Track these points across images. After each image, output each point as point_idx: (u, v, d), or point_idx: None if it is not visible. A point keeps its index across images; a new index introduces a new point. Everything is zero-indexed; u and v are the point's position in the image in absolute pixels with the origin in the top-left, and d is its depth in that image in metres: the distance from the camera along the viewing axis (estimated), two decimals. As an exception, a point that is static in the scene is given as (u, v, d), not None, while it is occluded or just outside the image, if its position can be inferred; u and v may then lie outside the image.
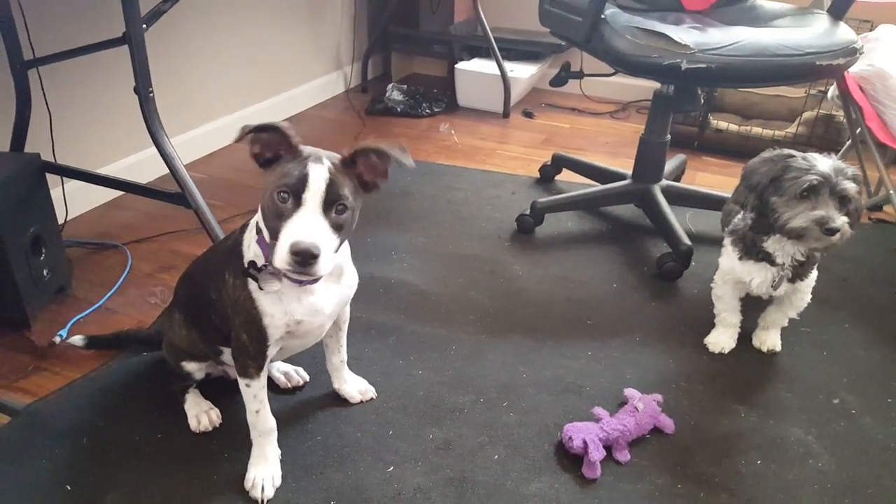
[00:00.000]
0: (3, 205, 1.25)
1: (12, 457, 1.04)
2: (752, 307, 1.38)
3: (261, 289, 0.91)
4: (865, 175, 1.96)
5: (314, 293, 0.95)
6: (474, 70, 2.72)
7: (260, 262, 0.91)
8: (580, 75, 1.87)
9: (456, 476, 1.05)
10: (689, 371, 1.30)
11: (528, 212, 1.79)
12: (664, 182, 1.80)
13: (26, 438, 1.08)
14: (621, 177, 1.87)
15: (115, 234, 1.72)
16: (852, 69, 1.71)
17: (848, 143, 2.04)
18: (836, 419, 1.20)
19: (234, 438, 1.09)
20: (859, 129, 1.86)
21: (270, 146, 0.88)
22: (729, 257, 1.31)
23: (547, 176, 2.11)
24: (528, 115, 2.73)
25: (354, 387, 1.19)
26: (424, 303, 1.47)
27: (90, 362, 1.26)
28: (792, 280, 1.26)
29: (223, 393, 1.17)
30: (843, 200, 1.13)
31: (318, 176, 0.83)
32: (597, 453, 1.05)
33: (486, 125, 2.61)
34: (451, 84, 2.80)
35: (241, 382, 0.99)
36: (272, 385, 1.20)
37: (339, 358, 1.17)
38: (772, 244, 1.23)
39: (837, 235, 1.12)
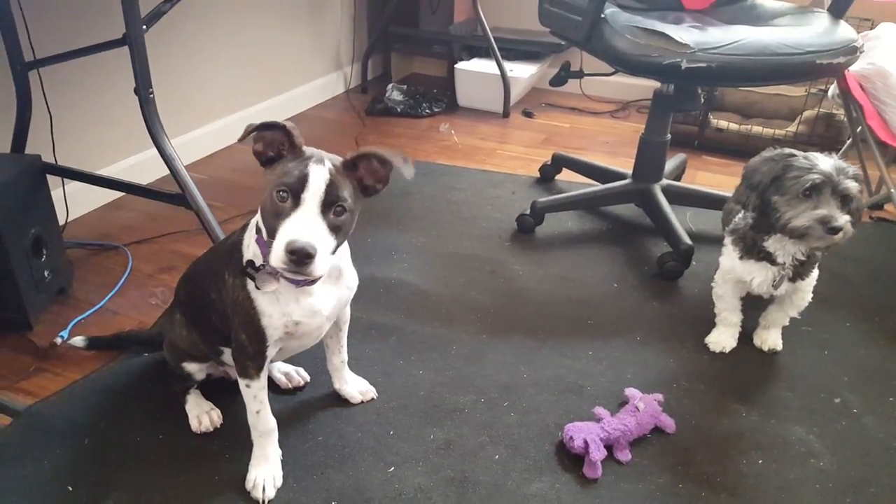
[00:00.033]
0: (4, 206, 1.25)
1: (13, 458, 1.04)
2: (753, 306, 1.38)
3: (258, 288, 0.91)
4: (866, 174, 1.96)
5: (312, 294, 0.94)
6: (474, 70, 2.72)
7: (259, 261, 0.91)
8: (580, 75, 1.87)
9: (457, 476, 1.05)
10: (690, 370, 1.30)
11: (528, 211, 1.79)
12: (664, 181, 1.80)
13: (27, 439, 1.08)
14: (621, 176, 1.87)
15: (115, 235, 1.72)
16: (853, 68, 1.70)
17: (848, 141, 2.04)
18: (838, 418, 1.19)
19: (235, 439, 1.09)
20: (860, 128, 1.86)
21: (273, 145, 0.88)
22: (729, 257, 1.31)
23: (547, 176, 2.11)
24: (528, 114, 2.73)
25: (355, 387, 1.20)
26: (425, 303, 1.47)
27: (91, 363, 1.27)
28: (793, 279, 1.26)
29: (224, 394, 1.17)
30: (844, 199, 1.13)
31: (319, 176, 0.83)
32: (598, 453, 1.05)
33: (486, 125, 2.61)
34: (450, 84, 2.81)
35: (243, 383, 0.99)
36: (273, 385, 1.20)
37: (339, 358, 1.17)
38: (773, 244, 1.23)
39: (840, 234, 1.12)
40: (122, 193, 1.84)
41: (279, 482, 1.02)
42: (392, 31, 2.91)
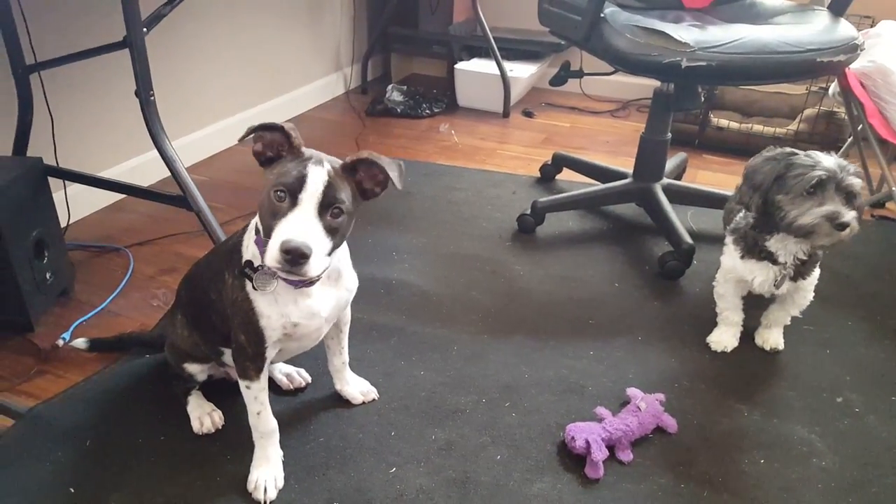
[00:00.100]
0: (6, 208, 1.26)
1: (15, 459, 1.05)
2: (755, 305, 1.38)
3: (255, 289, 0.91)
4: (867, 172, 1.95)
5: (311, 296, 0.94)
6: (474, 70, 2.72)
7: (257, 262, 0.91)
8: (580, 74, 1.87)
9: (458, 477, 1.05)
10: (692, 370, 1.30)
11: (528, 211, 1.79)
12: (665, 180, 1.80)
13: (29, 441, 1.08)
14: (622, 176, 1.87)
15: (117, 237, 1.73)
16: (853, 66, 1.70)
17: (849, 139, 2.04)
18: (840, 417, 1.19)
19: (236, 440, 1.09)
20: (861, 126, 1.86)
21: (273, 145, 0.88)
22: (731, 256, 1.31)
23: (547, 175, 2.11)
24: (528, 114, 2.73)
25: (356, 388, 1.20)
26: (426, 303, 1.47)
27: (93, 365, 1.27)
28: (794, 278, 1.26)
29: (225, 395, 1.17)
30: (848, 196, 1.13)
31: (317, 177, 0.83)
32: (599, 453, 1.05)
33: (486, 125, 2.61)
34: (450, 84, 2.81)
35: (243, 384, 0.99)
36: (274, 386, 1.20)
37: (340, 359, 1.17)
38: (774, 243, 1.23)
39: (847, 231, 1.11)
40: (123, 195, 1.85)
41: (280, 483, 1.02)
42: (392, 31, 2.91)
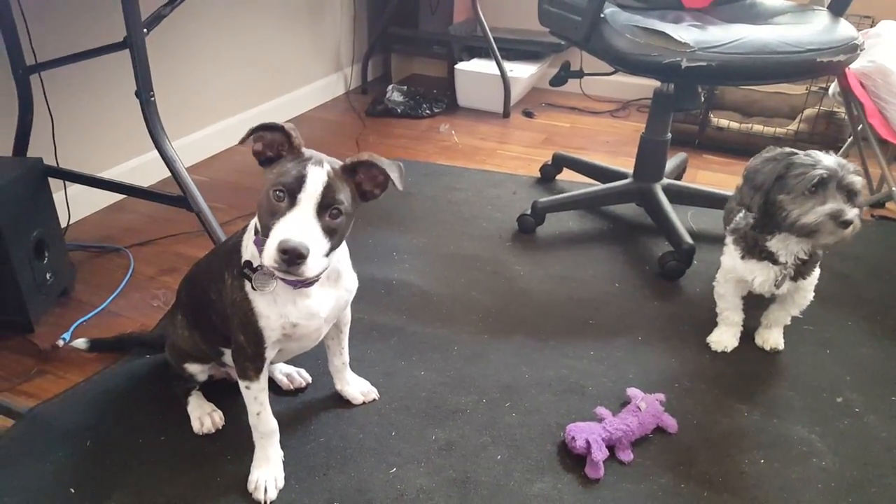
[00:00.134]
0: (6, 209, 1.26)
1: (16, 460, 1.05)
2: (755, 305, 1.38)
3: (254, 289, 0.91)
4: (867, 172, 1.95)
5: (310, 297, 0.94)
6: (474, 70, 2.72)
7: (256, 262, 0.91)
8: (580, 74, 1.87)
9: (459, 477, 1.05)
10: (692, 370, 1.30)
11: (529, 211, 1.79)
12: (665, 181, 1.80)
13: (30, 441, 1.08)
14: (622, 176, 1.87)
15: (117, 237, 1.73)
16: (853, 66, 1.70)
17: (849, 139, 2.04)
18: (840, 417, 1.19)
19: (236, 440, 1.09)
20: (861, 126, 1.86)
21: (273, 145, 0.88)
22: (731, 256, 1.31)
23: (548, 175, 2.11)
24: (529, 114, 2.73)
25: (357, 388, 1.20)
26: (426, 303, 1.48)
27: (93, 365, 1.27)
28: (794, 278, 1.26)
29: (226, 395, 1.17)
30: (850, 194, 1.13)
31: (316, 178, 0.83)
32: (600, 453, 1.05)
33: (487, 125, 2.61)
34: (451, 84, 2.81)
35: (243, 384, 0.99)
36: (275, 386, 1.20)
37: (341, 360, 1.17)
38: (776, 243, 1.23)
39: (850, 228, 1.11)
40: (123, 196, 1.85)
41: (281, 483, 1.02)
42: (392, 31, 2.91)
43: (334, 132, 2.51)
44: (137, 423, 1.13)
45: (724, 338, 1.36)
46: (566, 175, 2.10)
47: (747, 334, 1.38)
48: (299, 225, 0.81)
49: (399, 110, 2.65)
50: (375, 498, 1.01)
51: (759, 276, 1.26)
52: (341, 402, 1.19)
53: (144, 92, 1.39)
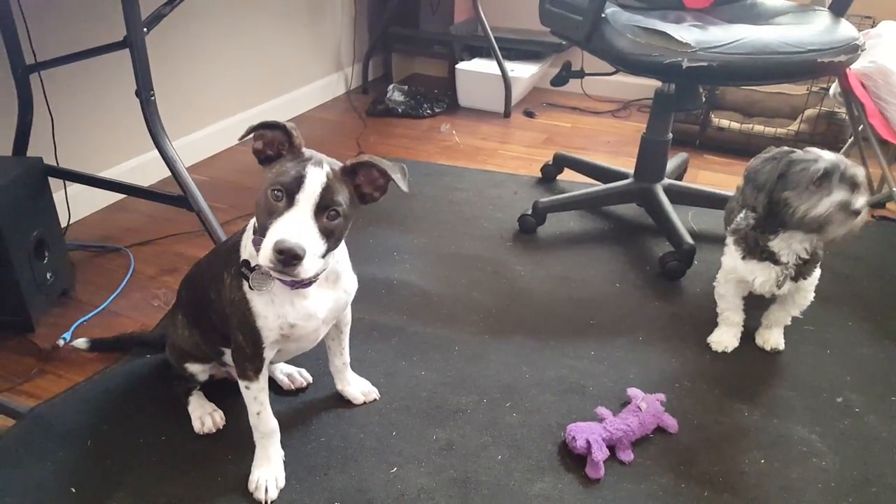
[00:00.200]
0: (6, 209, 1.26)
1: (17, 460, 1.05)
2: (755, 306, 1.38)
3: (252, 288, 0.91)
4: (868, 172, 1.95)
5: (308, 297, 0.94)
6: (475, 70, 2.72)
7: (254, 262, 0.91)
8: (581, 74, 1.87)
9: (459, 477, 1.05)
10: (693, 370, 1.30)
11: (529, 212, 1.79)
12: (666, 181, 1.80)
13: (30, 441, 1.08)
14: (623, 176, 1.87)
15: (117, 237, 1.73)
16: (854, 66, 1.70)
17: (850, 140, 2.04)
18: (840, 418, 1.19)
19: (237, 440, 1.09)
20: (861, 126, 1.86)
21: (273, 144, 0.88)
22: (732, 256, 1.31)
23: (549, 175, 2.11)
24: (530, 114, 2.73)
25: (358, 388, 1.20)
26: (427, 303, 1.47)
27: (94, 365, 1.27)
28: (795, 278, 1.26)
29: (226, 395, 1.17)
30: (853, 186, 1.13)
31: (315, 179, 0.82)
32: (600, 453, 1.05)
33: (488, 125, 2.61)
34: (451, 84, 2.81)
35: (242, 384, 0.99)
36: (275, 386, 1.20)
37: (341, 360, 1.17)
38: (778, 243, 1.22)
39: (860, 217, 1.11)
40: (123, 195, 1.85)
41: (281, 483, 1.02)
42: (393, 31, 2.91)
43: (335, 132, 2.51)
44: (138, 422, 1.13)
45: (725, 338, 1.36)
46: (567, 175, 2.10)
47: (748, 334, 1.38)
48: (296, 225, 0.81)
49: (400, 110, 2.65)
50: (376, 498, 1.01)
51: (760, 276, 1.26)
52: (342, 401, 1.19)
53: (144, 91, 1.39)
